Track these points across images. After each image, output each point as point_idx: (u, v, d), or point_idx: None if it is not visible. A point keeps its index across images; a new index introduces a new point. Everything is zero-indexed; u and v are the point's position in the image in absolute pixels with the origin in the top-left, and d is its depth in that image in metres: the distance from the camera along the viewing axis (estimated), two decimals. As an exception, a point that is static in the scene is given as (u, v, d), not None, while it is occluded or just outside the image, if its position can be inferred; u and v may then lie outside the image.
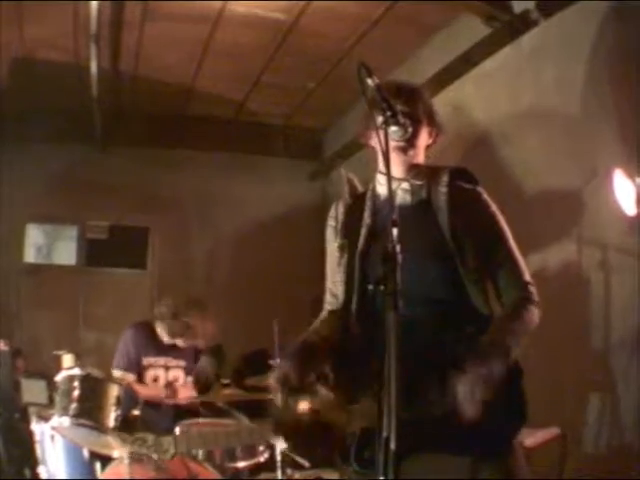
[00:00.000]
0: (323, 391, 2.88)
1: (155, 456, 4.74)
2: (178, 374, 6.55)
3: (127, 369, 6.33)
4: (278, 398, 2.85)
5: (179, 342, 6.57)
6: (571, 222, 6.20)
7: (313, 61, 8.92)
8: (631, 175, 5.40)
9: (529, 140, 6.67)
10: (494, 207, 3.11)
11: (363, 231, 3.13)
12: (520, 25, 6.64)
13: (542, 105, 6.58)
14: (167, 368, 6.49)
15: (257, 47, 8.51)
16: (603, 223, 5.82)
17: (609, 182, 5.54)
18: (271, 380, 2.90)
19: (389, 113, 2.65)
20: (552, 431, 5.30)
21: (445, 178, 3.08)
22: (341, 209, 3.32)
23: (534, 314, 2.95)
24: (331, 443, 2.95)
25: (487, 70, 7.26)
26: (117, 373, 6.30)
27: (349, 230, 3.20)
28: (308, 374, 2.88)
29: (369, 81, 2.65)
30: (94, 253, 10.45)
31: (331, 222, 3.34)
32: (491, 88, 7.27)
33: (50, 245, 10.43)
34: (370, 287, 2.78)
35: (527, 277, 3.03)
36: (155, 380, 6.44)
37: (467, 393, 2.58)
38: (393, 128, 2.73)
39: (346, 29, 8.03)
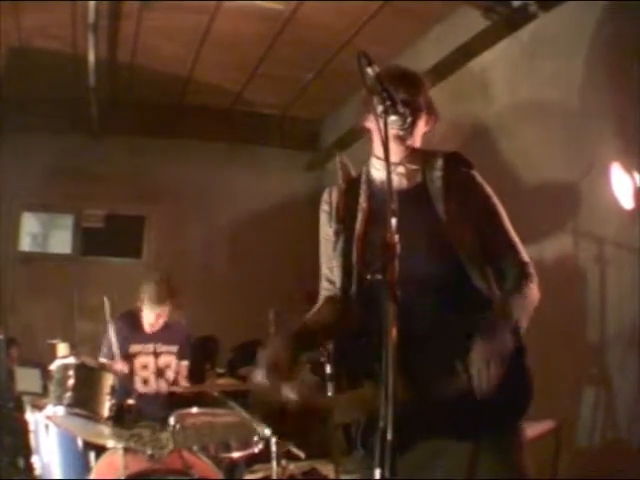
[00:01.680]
0: (308, 377, 2.86)
1: (152, 452, 4.74)
2: (170, 360, 6.51)
3: (111, 357, 6.26)
4: (263, 377, 2.82)
5: (164, 313, 6.52)
6: (568, 215, 6.20)
7: (311, 52, 8.91)
8: (629, 169, 5.40)
9: (527, 133, 6.67)
10: (489, 189, 3.09)
11: (359, 216, 3.10)
12: (519, 18, 6.63)
13: (540, 98, 6.58)
14: (157, 354, 6.44)
15: (255, 38, 8.50)
16: (600, 216, 5.82)
17: (607, 175, 5.54)
18: (259, 358, 2.86)
19: (389, 102, 2.64)
20: (546, 424, 5.30)
21: (440, 162, 3.07)
22: (335, 194, 3.27)
23: (535, 293, 2.94)
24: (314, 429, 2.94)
25: (486, 63, 7.26)
26: (102, 362, 6.25)
27: (344, 215, 3.17)
28: (297, 357, 2.86)
29: (369, 70, 2.63)
30: (89, 242, 10.44)
31: (325, 207, 3.30)
32: (489, 81, 7.26)
33: (46, 234, 10.44)
34: (368, 277, 2.77)
35: (525, 257, 3.02)
36: (145, 367, 6.39)
37: (482, 369, 2.60)
38: (392, 117, 2.71)
39: (344, 21, 8.02)
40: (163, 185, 10.73)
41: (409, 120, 2.93)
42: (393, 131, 2.86)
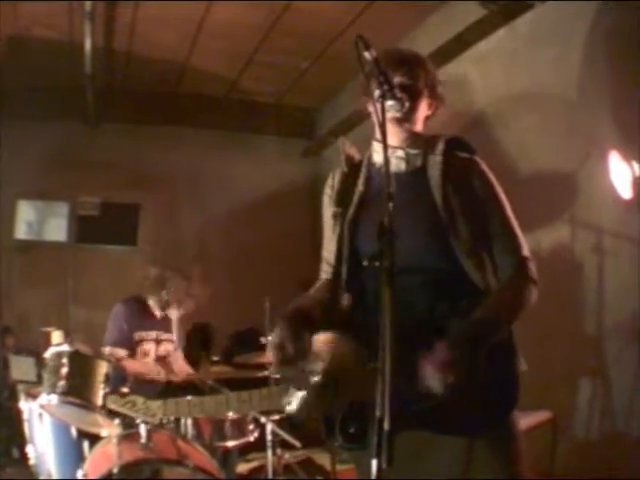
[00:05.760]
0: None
1: (142, 418, 4.66)
2: (169, 348, 6.50)
3: (118, 345, 6.24)
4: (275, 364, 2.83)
5: (172, 313, 6.51)
6: (565, 204, 6.19)
7: (307, 41, 8.88)
8: (627, 158, 5.38)
9: (524, 121, 6.65)
10: (491, 177, 3.01)
11: (355, 199, 3.08)
12: (516, 7, 6.61)
13: (538, 87, 6.56)
14: (158, 342, 6.43)
15: (251, 26, 8.46)
16: (597, 206, 5.81)
17: (605, 165, 5.52)
18: (269, 347, 2.87)
19: (386, 87, 2.61)
20: (543, 415, 5.30)
21: (441, 146, 3.02)
22: (337, 177, 3.25)
23: (531, 292, 2.86)
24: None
25: (483, 52, 7.23)
26: (107, 349, 6.23)
27: (343, 198, 3.14)
28: (302, 340, 2.84)
29: (367, 54, 2.60)
30: (85, 230, 10.37)
31: (327, 191, 3.28)
32: (487, 69, 7.24)
33: (41, 221, 10.36)
34: (365, 263, 2.74)
35: (525, 252, 2.93)
36: (146, 354, 6.37)
37: (435, 378, 2.55)
38: (390, 102, 2.69)
39: (340, 9, 7.98)
40: (159, 173, 10.71)
41: (407, 104, 2.89)
42: (390, 115, 2.83)
